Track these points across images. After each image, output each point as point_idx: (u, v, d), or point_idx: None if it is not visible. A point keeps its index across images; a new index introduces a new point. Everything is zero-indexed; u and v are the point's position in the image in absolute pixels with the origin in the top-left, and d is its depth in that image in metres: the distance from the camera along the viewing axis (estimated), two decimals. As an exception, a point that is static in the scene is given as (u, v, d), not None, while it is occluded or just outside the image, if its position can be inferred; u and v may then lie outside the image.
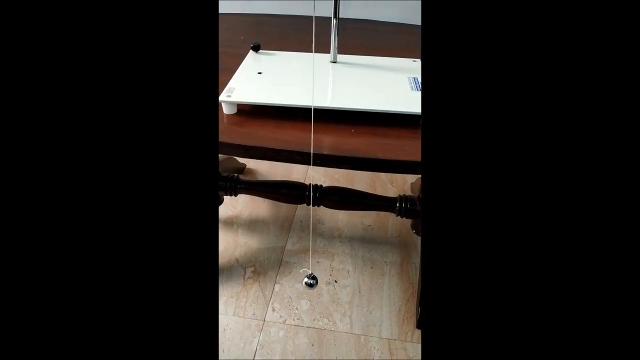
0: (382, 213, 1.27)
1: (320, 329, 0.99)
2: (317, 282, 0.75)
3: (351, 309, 1.03)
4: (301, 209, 1.29)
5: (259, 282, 1.08)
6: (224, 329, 0.98)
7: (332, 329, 0.99)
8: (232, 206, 1.29)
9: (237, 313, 1.01)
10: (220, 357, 0.92)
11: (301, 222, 1.25)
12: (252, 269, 1.12)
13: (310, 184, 1.10)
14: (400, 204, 1.06)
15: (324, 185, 1.11)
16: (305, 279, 0.75)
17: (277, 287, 1.07)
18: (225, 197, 1.20)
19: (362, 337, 0.98)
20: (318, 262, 1.13)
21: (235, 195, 1.15)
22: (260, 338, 0.97)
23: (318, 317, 1.01)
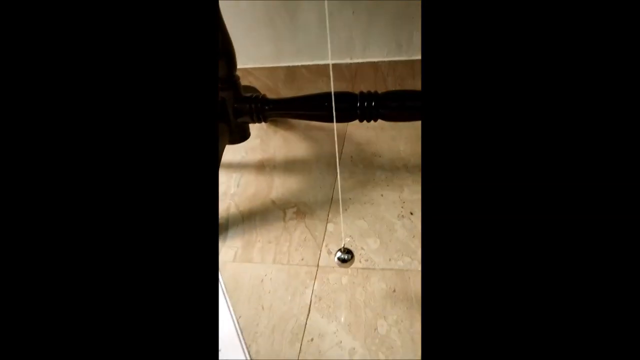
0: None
1: (402, 269, 0.69)
2: (353, 258, 0.54)
3: (441, 243, 0.73)
4: (350, 143, 1.02)
5: (305, 222, 0.81)
6: (262, 280, 0.70)
7: (419, 269, 0.69)
8: (261, 149, 1.04)
9: (278, 260, 0.73)
10: (260, 315, 0.63)
11: (351, 157, 0.98)
12: (294, 209, 0.84)
13: (360, 91, 0.84)
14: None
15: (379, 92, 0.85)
16: (338, 254, 0.57)
17: (330, 226, 0.79)
18: (251, 126, 0.95)
19: None
20: (382, 195, 0.84)
21: (265, 120, 0.89)
22: (315, 287, 0.68)
23: (395, 256, 0.71)
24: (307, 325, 0.62)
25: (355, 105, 0.84)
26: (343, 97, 0.85)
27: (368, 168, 0.94)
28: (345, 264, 0.56)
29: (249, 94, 0.90)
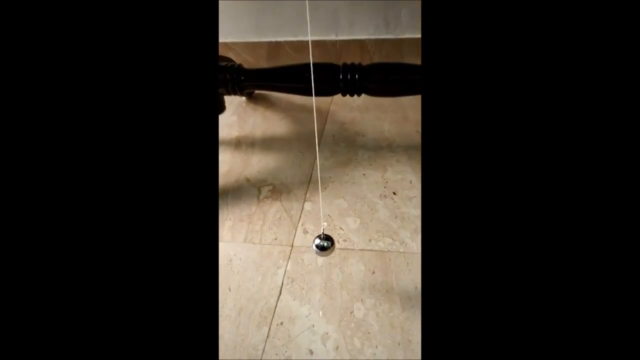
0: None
1: (382, 250, 0.65)
2: (333, 245, 0.51)
3: (425, 224, 0.69)
4: (332, 122, 0.97)
5: (281, 201, 0.75)
6: (230, 260, 0.63)
7: (401, 250, 0.64)
8: (239, 126, 0.98)
9: (249, 239, 0.67)
10: (227, 296, 0.58)
11: (333, 136, 0.93)
12: (270, 187, 0.78)
13: (343, 63, 0.79)
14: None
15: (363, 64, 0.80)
16: (317, 241, 0.51)
17: (307, 205, 0.74)
18: (226, 99, 0.89)
19: None
20: (364, 174, 0.80)
21: (241, 91, 0.83)
22: (288, 268, 0.62)
23: (376, 236, 0.67)
24: (277, 308, 0.56)
25: (337, 77, 0.79)
26: (325, 69, 0.80)
27: (350, 147, 0.89)
28: (324, 252, 0.49)
29: (223, 63, 0.84)
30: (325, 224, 0.53)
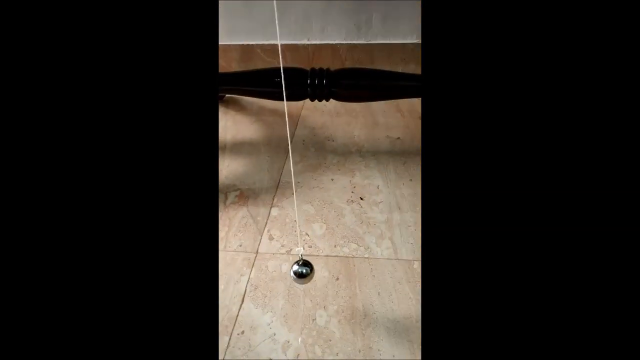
0: (413, 123, 0.95)
1: (347, 256, 0.65)
2: (312, 271, 0.47)
3: (391, 229, 0.69)
4: (303, 127, 0.96)
5: (247, 207, 0.75)
6: (193, 267, 0.64)
7: (366, 256, 0.65)
8: (208, 131, 0.97)
9: (214, 246, 0.67)
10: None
11: (303, 141, 0.92)
12: (237, 193, 0.78)
13: (312, 67, 0.79)
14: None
15: (331, 69, 0.80)
16: (295, 267, 0.47)
17: (274, 211, 0.73)
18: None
19: (416, 262, 0.63)
20: (332, 179, 0.79)
21: (208, 96, 0.83)
22: (252, 275, 0.62)
23: (341, 242, 0.67)
24: (238, 317, 0.56)
25: (306, 82, 0.79)
26: (293, 73, 0.79)
27: (320, 152, 0.89)
28: (303, 280, 0.46)
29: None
30: (302, 249, 0.47)
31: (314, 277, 0.47)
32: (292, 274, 0.46)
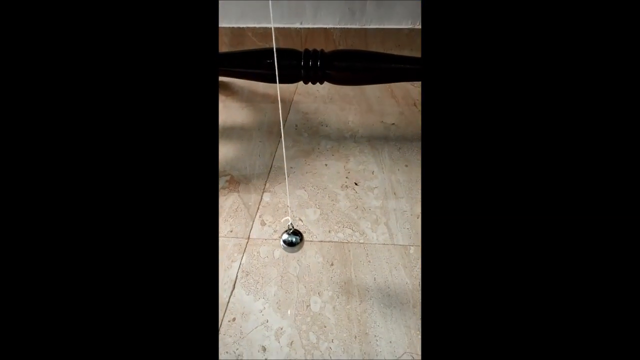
0: (408, 110, 0.94)
1: (342, 242, 0.63)
2: (302, 240, 0.48)
3: (386, 214, 0.67)
4: (295, 112, 0.94)
5: (238, 192, 0.72)
6: (182, 253, 0.62)
7: (361, 241, 0.63)
8: (197, 115, 0.94)
9: (204, 232, 0.65)
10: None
11: (296, 126, 0.90)
12: (228, 178, 0.75)
13: (305, 49, 0.77)
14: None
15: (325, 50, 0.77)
16: (284, 236, 0.48)
17: (267, 196, 0.71)
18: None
19: (412, 247, 0.62)
20: (326, 164, 0.78)
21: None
22: (243, 261, 0.60)
23: (336, 227, 0.65)
24: (229, 304, 0.54)
25: (299, 64, 0.76)
26: (286, 55, 0.77)
27: (313, 137, 0.86)
28: (291, 248, 0.46)
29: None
30: (290, 219, 0.49)
31: (303, 247, 0.48)
32: (281, 242, 0.47)
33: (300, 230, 0.47)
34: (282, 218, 0.66)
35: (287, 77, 0.77)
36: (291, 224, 0.47)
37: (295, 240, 0.46)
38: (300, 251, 0.49)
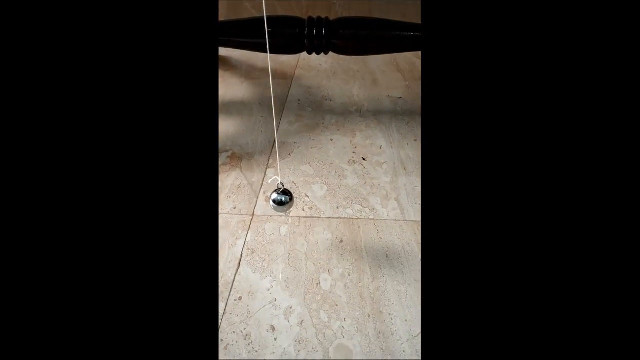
0: (415, 83, 0.90)
1: (351, 218, 0.60)
2: (292, 200, 0.47)
3: (396, 190, 0.64)
4: (298, 86, 0.90)
5: (241, 168, 0.69)
6: (183, 231, 0.59)
7: (371, 217, 0.60)
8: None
9: (205, 209, 0.62)
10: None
11: (299, 100, 0.86)
12: (229, 153, 0.72)
13: (309, 16, 0.73)
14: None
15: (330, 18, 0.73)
16: (274, 195, 0.47)
17: (270, 172, 0.68)
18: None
19: None
20: (332, 139, 0.74)
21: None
22: (248, 239, 0.57)
23: (344, 203, 0.62)
24: (235, 282, 0.51)
25: (302, 33, 0.72)
26: (288, 23, 0.73)
27: (317, 112, 0.83)
28: (281, 207, 0.46)
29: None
30: (278, 178, 0.48)
31: (293, 206, 0.48)
32: (271, 202, 0.46)
33: (299, 204, 0.46)
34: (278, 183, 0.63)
35: (290, 48, 0.73)
36: (281, 182, 0.46)
37: (284, 199, 0.45)
38: (295, 214, 0.49)
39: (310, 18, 0.71)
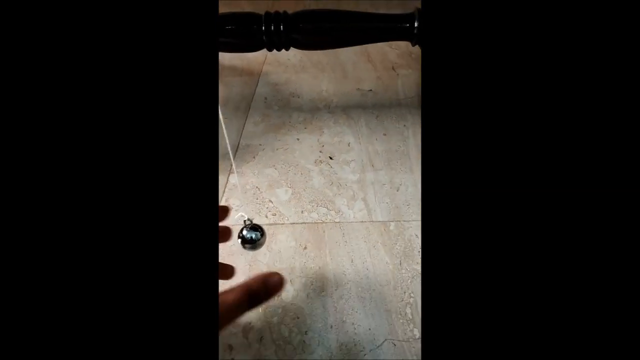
0: (386, 74, 0.87)
1: (316, 222, 0.58)
2: (263, 236, 0.41)
3: (363, 189, 0.63)
4: (265, 84, 0.88)
5: (203, 175, 0.67)
6: (140, 247, 0.57)
7: (337, 220, 0.58)
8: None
9: (164, 222, 0.60)
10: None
11: (265, 98, 0.84)
12: (191, 160, 0.70)
13: (266, 12, 0.70)
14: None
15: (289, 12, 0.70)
16: (244, 232, 0.41)
17: (233, 178, 0.66)
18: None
19: (393, 223, 0.57)
20: (298, 139, 0.72)
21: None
22: (208, 251, 0.56)
23: (309, 207, 0.60)
24: (193, 299, 0.49)
25: (260, 29, 0.69)
26: (244, 20, 0.70)
27: (284, 110, 0.80)
28: (252, 246, 0.39)
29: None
30: (244, 215, 0.42)
31: (265, 243, 0.41)
32: (239, 238, 0.39)
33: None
34: (252, 202, 0.60)
35: (249, 45, 0.70)
36: (248, 219, 0.40)
37: (255, 236, 0.39)
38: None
39: (267, 13, 0.68)
